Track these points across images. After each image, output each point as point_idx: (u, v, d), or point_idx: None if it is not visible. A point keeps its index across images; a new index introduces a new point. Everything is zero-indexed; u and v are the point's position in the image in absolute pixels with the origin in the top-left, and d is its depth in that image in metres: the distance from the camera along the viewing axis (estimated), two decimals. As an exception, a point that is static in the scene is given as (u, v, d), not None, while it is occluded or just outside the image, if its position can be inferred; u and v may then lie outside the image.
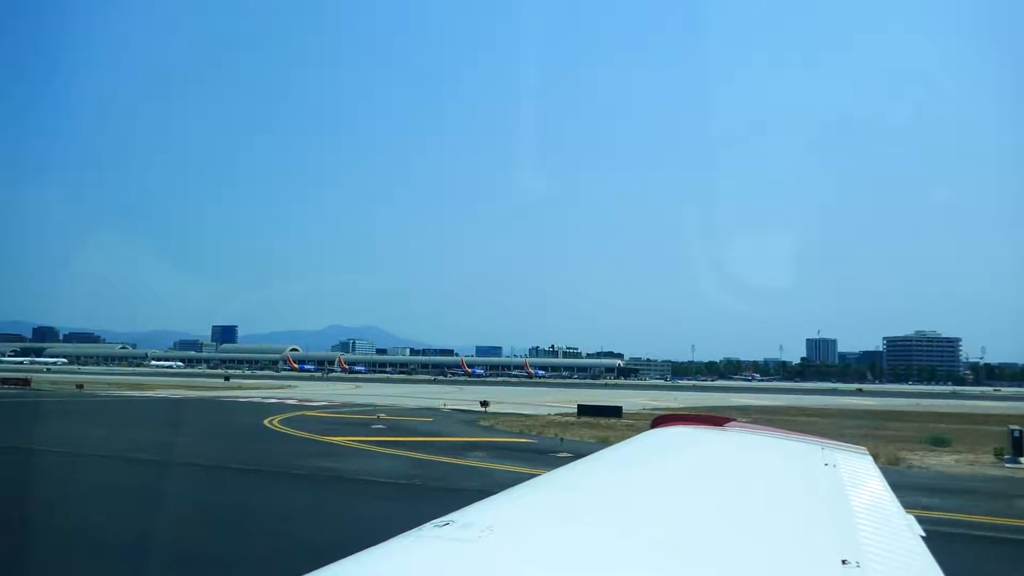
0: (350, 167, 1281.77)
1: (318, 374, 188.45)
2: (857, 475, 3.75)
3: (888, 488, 3.58)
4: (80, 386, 60.08)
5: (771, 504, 2.97)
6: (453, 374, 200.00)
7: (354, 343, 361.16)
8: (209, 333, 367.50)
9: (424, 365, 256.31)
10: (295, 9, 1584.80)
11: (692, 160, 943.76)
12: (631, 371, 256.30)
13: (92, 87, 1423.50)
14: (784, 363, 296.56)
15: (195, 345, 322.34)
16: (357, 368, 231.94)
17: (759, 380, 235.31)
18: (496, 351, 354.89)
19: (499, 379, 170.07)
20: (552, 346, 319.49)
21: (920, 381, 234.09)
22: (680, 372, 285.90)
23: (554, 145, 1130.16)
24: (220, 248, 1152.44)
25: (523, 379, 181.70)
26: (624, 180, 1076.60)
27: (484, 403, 43.59)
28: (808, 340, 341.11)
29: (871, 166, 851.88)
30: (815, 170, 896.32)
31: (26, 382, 61.61)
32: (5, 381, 62.91)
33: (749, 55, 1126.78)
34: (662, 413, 6.85)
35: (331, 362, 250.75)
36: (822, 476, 3.64)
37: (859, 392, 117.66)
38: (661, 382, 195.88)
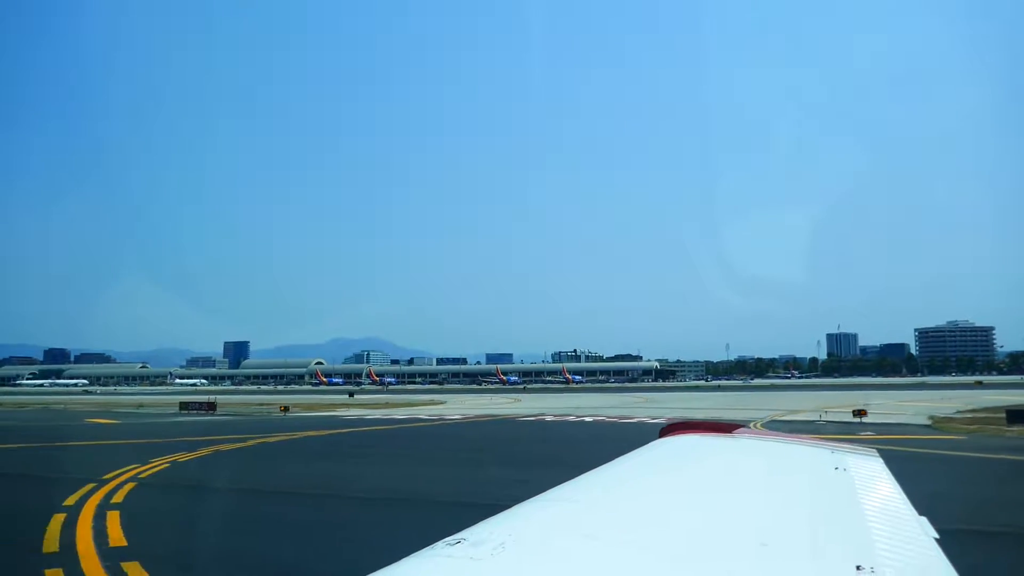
0: (352, 176, 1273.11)
1: (351, 387, 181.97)
2: (868, 478, 3.67)
3: (900, 490, 3.46)
4: (285, 409, 53.05)
5: (784, 510, 2.94)
6: (487, 382, 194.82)
7: (368, 354, 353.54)
8: (220, 350, 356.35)
9: (455, 374, 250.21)
10: (301, 18, 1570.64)
11: (700, 159, 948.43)
12: (669, 373, 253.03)
13: (92, 101, 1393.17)
14: (814, 359, 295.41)
15: (209, 362, 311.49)
16: (387, 379, 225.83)
17: (798, 377, 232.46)
18: (507, 358, 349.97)
19: (538, 386, 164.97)
20: (575, 350, 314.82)
21: (959, 372, 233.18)
22: (710, 372, 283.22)
23: (555, 147, 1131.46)
24: (221, 265, 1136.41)
25: (561, 385, 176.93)
26: (627, 181, 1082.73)
27: (858, 412, 37.84)
28: (829, 335, 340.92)
29: (876, 162, 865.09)
30: (825, 164, 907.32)
31: (212, 406, 54.42)
32: (188, 406, 55.60)
33: (763, 48, 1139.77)
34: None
35: (359, 375, 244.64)
36: (833, 480, 3.61)
37: (980, 385, 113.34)
38: (702, 383, 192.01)
